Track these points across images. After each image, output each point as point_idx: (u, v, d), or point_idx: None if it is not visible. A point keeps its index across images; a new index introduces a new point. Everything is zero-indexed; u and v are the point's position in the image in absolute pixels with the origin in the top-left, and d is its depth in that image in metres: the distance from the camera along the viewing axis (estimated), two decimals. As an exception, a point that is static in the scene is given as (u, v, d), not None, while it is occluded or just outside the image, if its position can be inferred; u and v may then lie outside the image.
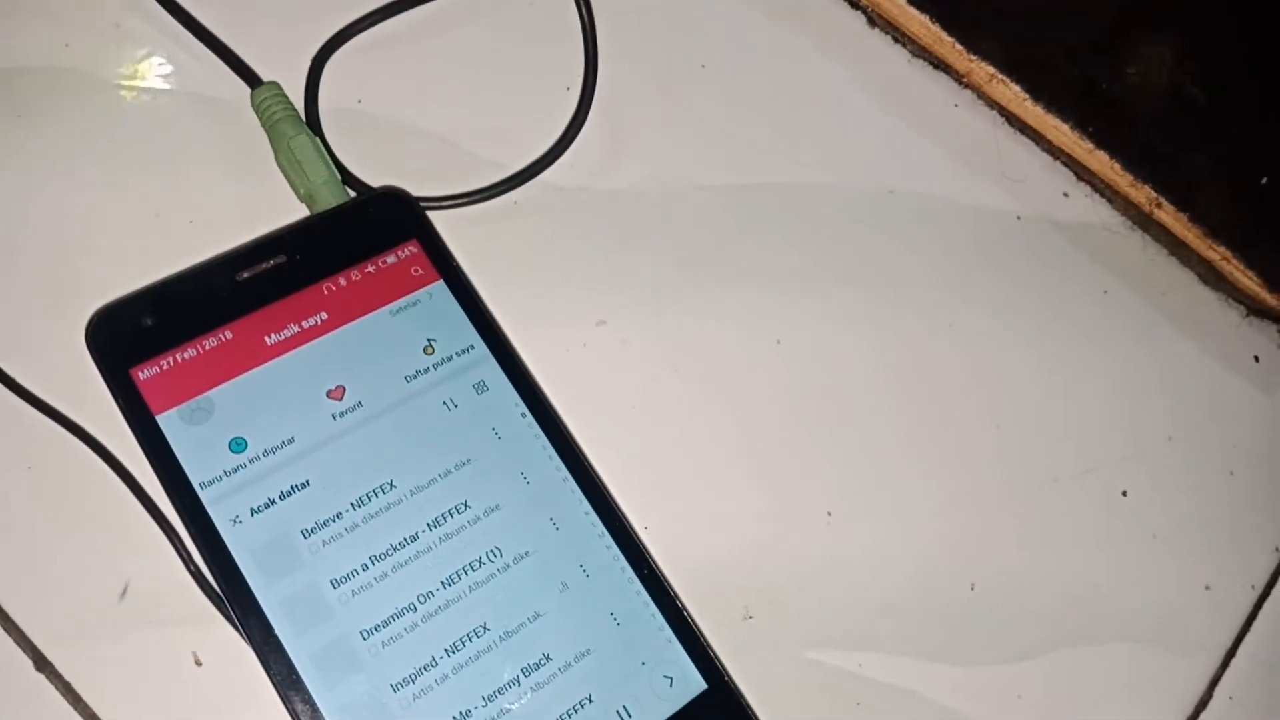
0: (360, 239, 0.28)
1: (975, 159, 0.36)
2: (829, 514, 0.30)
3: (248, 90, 0.30)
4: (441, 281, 0.28)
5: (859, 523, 0.30)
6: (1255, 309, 0.36)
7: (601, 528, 0.26)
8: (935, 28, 0.35)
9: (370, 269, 0.28)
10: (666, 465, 0.30)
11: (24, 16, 0.31)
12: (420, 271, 0.28)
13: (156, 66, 0.31)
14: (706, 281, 0.32)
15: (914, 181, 0.35)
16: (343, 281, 0.28)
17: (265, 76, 0.30)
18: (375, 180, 0.30)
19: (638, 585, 0.26)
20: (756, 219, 0.33)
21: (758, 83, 0.35)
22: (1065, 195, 0.36)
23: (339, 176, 0.29)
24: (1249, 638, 0.32)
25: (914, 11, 0.35)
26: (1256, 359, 0.36)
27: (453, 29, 0.33)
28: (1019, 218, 0.35)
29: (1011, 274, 0.35)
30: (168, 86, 0.31)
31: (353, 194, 0.30)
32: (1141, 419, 0.34)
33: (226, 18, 0.31)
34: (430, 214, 0.30)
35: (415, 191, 0.30)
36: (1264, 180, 0.36)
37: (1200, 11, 0.37)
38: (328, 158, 0.29)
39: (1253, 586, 0.33)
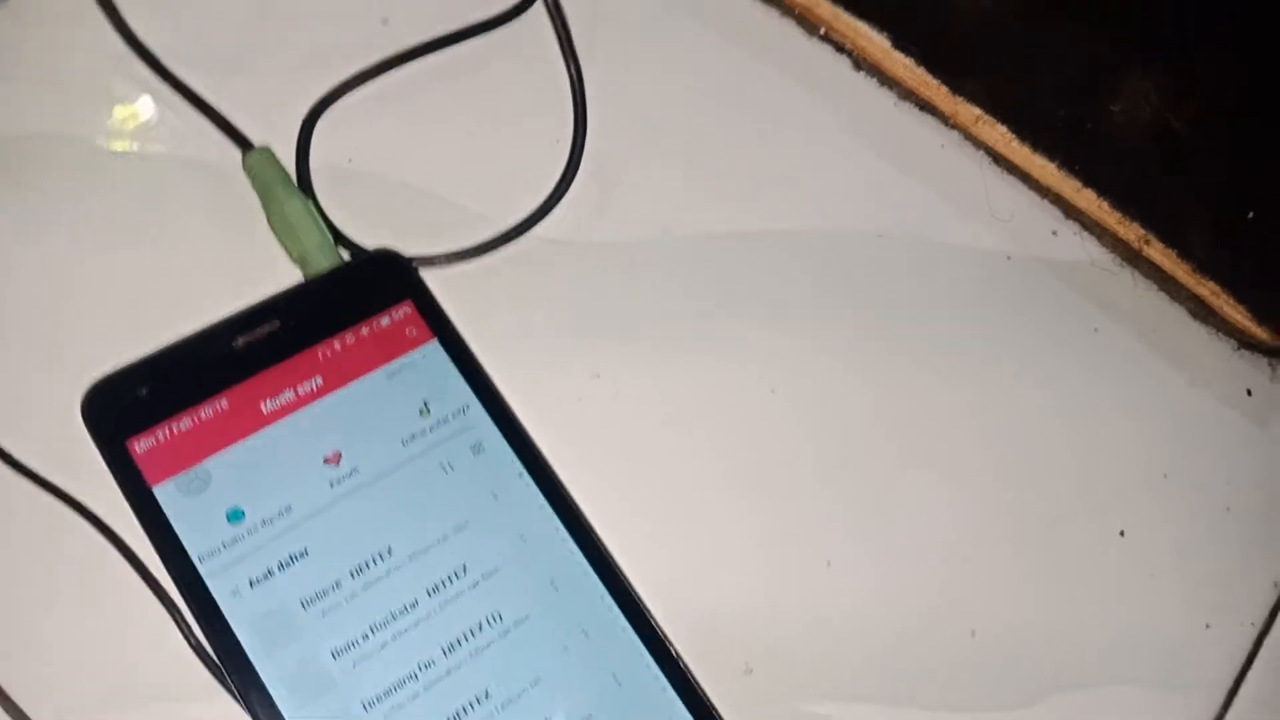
0: (354, 302, 0.28)
1: (964, 200, 0.36)
2: (829, 563, 0.30)
3: (239, 153, 0.30)
4: (436, 341, 0.28)
5: (859, 571, 0.30)
6: (1246, 342, 0.36)
7: (601, 588, 0.26)
8: (920, 71, 0.36)
9: (365, 331, 0.28)
10: (664, 518, 0.30)
11: (13, 82, 0.31)
12: (414, 332, 0.28)
13: (148, 131, 0.31)
14: (700, 330, 0.32)
15: (904, 224, 0.35)
16: (337, 345, 0.28)
17: (256, 138, 0.31)
18: (368, 239, 0.30)
19: (638, 645, 0.26)
20: (748, 266, 0.33)
21: (746, 129, 0.35)
22: (1054, 233, 0.36)
23: (331, 239, 0.29)
24: (1250, 675, 0.32)
25: (899, 55, 0.35)
26: (1249, 392, 0.36)
27: (442, 85, 0.33)
28: (1009, 257, 0.35)
29: (1003, 314, 0.35)
30: (159, 151, 0.31)
31: (346, 256, 0.30)
32: (1136, 457, 0.34)
33: (217, 80, 0.31)
34: (423, 272, 0.30)
35: (408, 249, 0.30)
36: (1250, 215, 0.36)
37: (1183, 47, 0.38)
38: (320, 220, 0.29)
39: (1252, 624, 0.33)
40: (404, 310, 0.29)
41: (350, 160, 0.32)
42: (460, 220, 0.32)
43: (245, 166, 0.30)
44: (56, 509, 0.26)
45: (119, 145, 0.31)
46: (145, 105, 0.31)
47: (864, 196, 0.35)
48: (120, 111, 0.31)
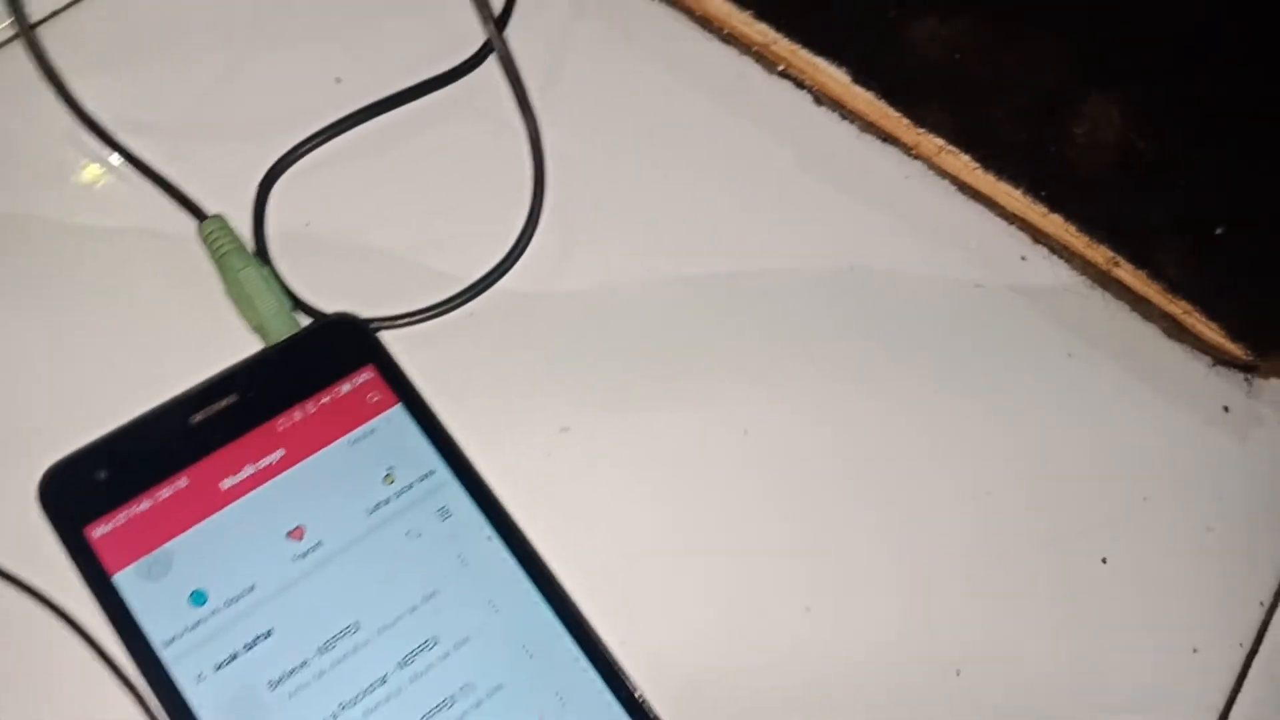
0: (314, 369, 0.28)
1: (930, 230, 0.36)
2: (807, 609, 0.30)
3: (195, 222, 0.30)
4: (399, 405, 0.28)
5: (838, 615, 0.30)
6: (1221, 359, 0.36)
7: (577, 651, 0.26)
8: (881, 104, 0.36)
9: (326, 399, 0.28)
10: (639, 573, 0.29)
11: (-36, 161, 0.31)
12: (376, 398, 0.28)
13: (100, 205, 0.31)
14: (669, 376, 0.32)
15: (871, 257, 0.35)
16: (298, 415, 0.27)
17: (212, 206, 0.30)
18: (328, 304, 0.30)
19: (617, 709, 0.26)
20: (715, 308, 0.33)
21: (708, 170, 0.35)
22: (1023, 259, 0.36)
23: (289, 305, 0.29)
24: (1241, 698, 0.32)
25: (859, 90, 0.35)
26: (1226, 409, 0.35)
27: (398, 143, 0.33)
28: (978, 285, 0.35)
29: (976, 343, 0.35)
30: (113, 224, 0.30)
31: (305, 321, 0.29)
32: (1116, 481, 0.34)
33: (170, 149, 0.31)
34: (386, 333, 0.30)
35: (370, 311, 0.30)
36: (1219, 231, 0.36)
37: (1142, 67, 0.38)
38: (277, 287, 0.29)
39: (1241, 644, 0.32)
40: (365, 375, 0.28)
41: (308, 224, 0.31)
42: (422, 279, 0.31)
43: (200, 235, 0.30)
44: (14, 597, 0.26)
45: (71, 220, 0.30)
46: (97, 178, 0.31)
47: (829, 232, 0.35)
48: (71, 185, 0.31)
